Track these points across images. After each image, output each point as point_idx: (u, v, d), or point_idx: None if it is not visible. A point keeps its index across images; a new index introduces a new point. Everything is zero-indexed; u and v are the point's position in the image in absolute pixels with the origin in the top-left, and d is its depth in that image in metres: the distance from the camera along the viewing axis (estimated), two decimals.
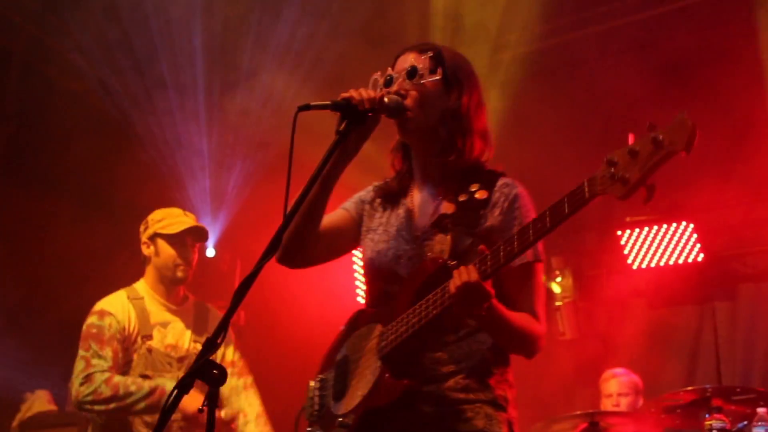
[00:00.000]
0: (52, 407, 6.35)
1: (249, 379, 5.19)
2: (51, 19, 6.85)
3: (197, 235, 5.20)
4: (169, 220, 5.18)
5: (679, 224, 7.59)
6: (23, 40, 7.00)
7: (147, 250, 5.20)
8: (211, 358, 2.38)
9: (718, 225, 7.53)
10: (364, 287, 8.65)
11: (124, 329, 4.93)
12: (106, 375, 4.73)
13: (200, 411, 2.38)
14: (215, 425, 2.36)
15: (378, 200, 3.11)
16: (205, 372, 2.36)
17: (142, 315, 5.01)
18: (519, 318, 2.77)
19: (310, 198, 2.88)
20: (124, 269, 5.65)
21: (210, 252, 7.73)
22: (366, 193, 3.17)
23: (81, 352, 4.88)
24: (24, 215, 7.02)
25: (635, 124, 2.36)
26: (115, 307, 4.99)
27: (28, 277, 6.90)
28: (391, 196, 3.08)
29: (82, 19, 6.68)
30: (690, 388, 5.70)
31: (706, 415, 5.30)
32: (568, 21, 6.96)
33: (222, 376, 2.35)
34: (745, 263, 7.64)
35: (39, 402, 6.34)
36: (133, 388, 4.73)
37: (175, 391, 2.34)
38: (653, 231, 7.68)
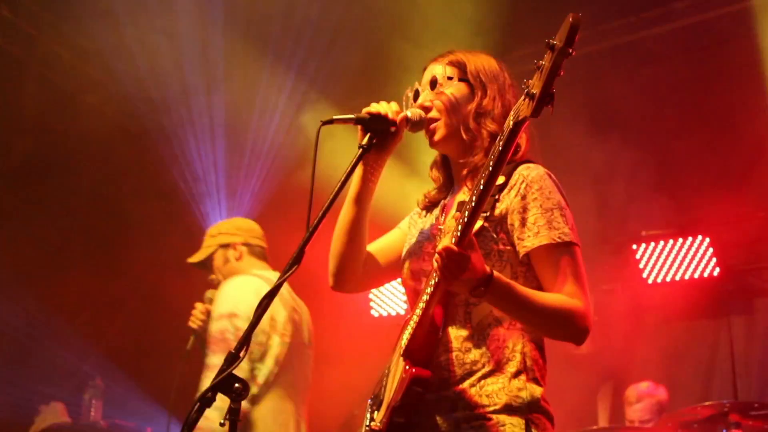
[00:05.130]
0: (66, 419, 6.34)
1: None
2: (66, 31, 6.86)
3: None
4: None
5: (695, 238, 7.49)
6: (39, 53, 7.01)
7: None
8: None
9: (734, 239, 7.43)
10: (382, 301, 8.67)
11: None
12: None
13: (221, 425, 2.35)
14: None
15: (422, 211, 3.11)
16: (226, 386, 2.35)
17: None
18: (544, 296, 2.67)
19: (346, 221, 2.95)
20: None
21: None
22: (415, 208, 3.18)
23: None
24: (39, 231, 7.01)
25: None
26: None
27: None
28: (431, 204, 3.08)
29: (97, 30, 6.70)
30: (707, 403, 5.66)
31: (724, 431, 5.27)
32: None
33: (245, 390, 2.34)
34: (762, 278, 7.56)
35: (53, 414, 6.33)
36: None
37: (198, 404, 2.33)
38: (668, 245, 7.60)
